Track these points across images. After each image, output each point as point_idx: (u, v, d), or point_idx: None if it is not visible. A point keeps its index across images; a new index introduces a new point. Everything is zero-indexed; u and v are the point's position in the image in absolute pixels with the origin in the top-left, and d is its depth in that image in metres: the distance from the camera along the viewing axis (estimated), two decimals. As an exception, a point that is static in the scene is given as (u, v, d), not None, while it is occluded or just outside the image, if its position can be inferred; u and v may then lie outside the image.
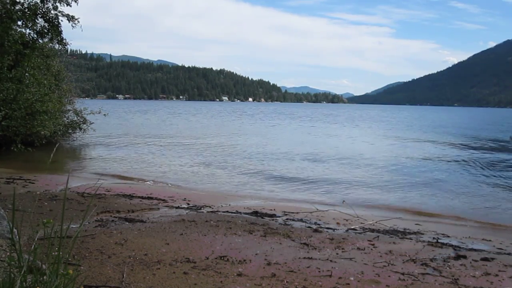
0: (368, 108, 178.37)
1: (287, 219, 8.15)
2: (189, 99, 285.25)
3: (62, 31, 12.53)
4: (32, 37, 12.62)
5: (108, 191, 10.15)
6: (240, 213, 8.42)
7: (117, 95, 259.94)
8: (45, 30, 12.30)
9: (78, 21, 12.43)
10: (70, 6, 12.45)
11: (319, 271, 4.95)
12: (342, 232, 7.23)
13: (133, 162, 17.27)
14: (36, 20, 12.10)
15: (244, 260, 5.20)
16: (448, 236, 7.45)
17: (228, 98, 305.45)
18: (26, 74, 13.78)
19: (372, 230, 7.48)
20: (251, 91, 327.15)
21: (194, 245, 5.79)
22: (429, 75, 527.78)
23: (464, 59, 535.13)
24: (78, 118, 21.82)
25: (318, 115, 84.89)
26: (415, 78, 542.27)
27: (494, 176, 16.10)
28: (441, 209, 10.58)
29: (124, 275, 4.39)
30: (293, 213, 8.78)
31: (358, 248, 6.13)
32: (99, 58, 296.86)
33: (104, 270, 4.54)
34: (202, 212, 8.34)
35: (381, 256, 5.79)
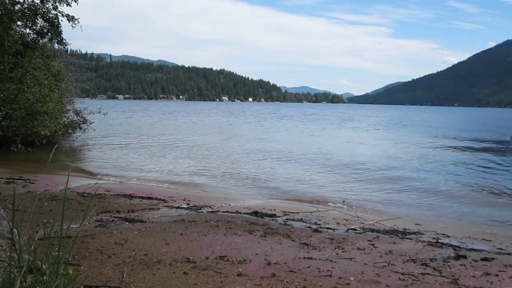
0: (359, 108, 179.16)
1: (287, 219, 8.15)
2: (189, 99, 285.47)
3: (62, 31, 12.52)
4: (32, 37, 12.62)
5: (108, 191, 10.15)
6: (240, 213, 8.42)
7: (117, 95, 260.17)
8: (45, 30, 12.29)
9: (78, 21, 12.42)
10: (70, 6, 12.44)
11: (319, 271, 4.95)
12: (342, 232, 7.23)
13: (133, 162, 17.28)
14: (36, 20, 12.09)
15: (244, 260, 5.20)
16: (448, 236, 7.45)
17: (228, 98, 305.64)
18: (27, 74, 13.78)
19: (372, 230, 7.48)
20: (251, 91, 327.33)
21: (194, 245, 5.79)
22: (429, 75, 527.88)
23: (464, 59, 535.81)
24: (78, 118, 21.84)
25: (300, 114, 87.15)
26: (415, 78, 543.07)
27: (494, 176, 16.11)
28: (441, 209, 10.58)
29: (124, 275, 4.39)
30: (293, 213, 8.78)
31: (358, 248, 6.12)
32: (99, 58, 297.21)
33: (104, 270, 4.54)
34: (202, 212, 8.34)
35: (381, 256, 5.79)
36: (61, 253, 2.64)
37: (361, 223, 8.13)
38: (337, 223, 8.12)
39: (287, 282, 4.54)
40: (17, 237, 3.02)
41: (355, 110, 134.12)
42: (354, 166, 17.48)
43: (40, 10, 12.01)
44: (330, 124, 54.04)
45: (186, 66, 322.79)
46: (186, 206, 8.92)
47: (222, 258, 5.23)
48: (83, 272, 4.34)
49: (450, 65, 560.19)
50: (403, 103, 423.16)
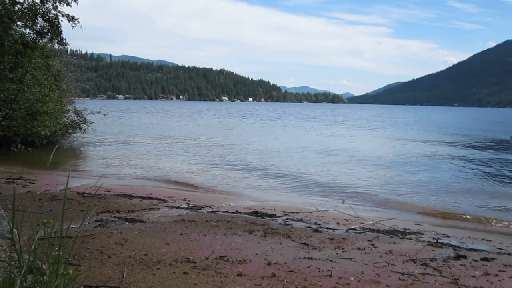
0: (349, 108, 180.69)
1: (287, 219, 8.15)
2: (189, 99, 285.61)
3: (62, 31, 12.54)
4: (32, 37, 12.63)
5: (108, 191, 10.14)
6: (240, 213, 8.42)
7: (117, 95, 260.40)
8: (45, 30, 12.31)
9: (78, 21, 12.44)
10: (70, 6, 12.47)
11: (319, 271, 4.95)
12: (342, 232, 7.23)
13: (133, 162, 17.28)
14: (36, 20, 12.10)
15: (244, 260, 5.20)
16: (448, 236, 7.45)
17: (228, 98, 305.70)
18: (27, 74, 13.79)
19: (372, 230, 7.48)
20: (251, 91, 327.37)
21: (194, 245, 5.79)
22: (429, 75, 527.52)
23: (464, 59, 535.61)
24: (78, 118, 21.85)
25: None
26: (415, 78, 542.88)
27: (494, 176, 16.11)
28: (440, 209, 10.57)
29: (124, 275, 4.39)
30: (293, 213, 8.78)
31: (358, 248, 6.12)
32: (99, 58, 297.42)
33: (104, 270, 4.54)
34: (202, 212, 8.34)
35: (381, 256, 5.79)
36: (61, 253, 2.64)
37: (361, 223, 8.13)
38: (337, 223, 8.12)
39: (287, 282, 4.54)
40: (17, 237, 3.02)
41: (350, 110, 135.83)
42: (356, 165, 17.50)
43: (40, 10, 12.03)
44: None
45: (186, 66, 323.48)
46: (186, 206, 8.91)
47: (222, 258, 5.22)
48: (83, 272, 4.34)
49: (450, 65, 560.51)
50: (403, 103, 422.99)
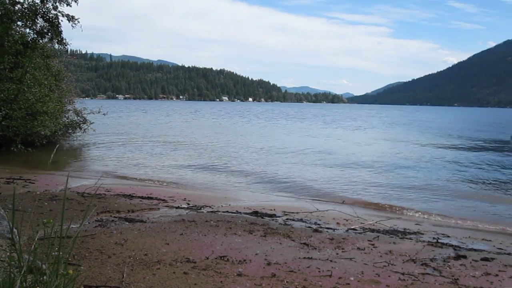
0: (348, 108, 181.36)
1: (287, 219, 8.15)
2: (189, 99, 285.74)
3: (62, 31, 12.55)
4: (32, 37, 12.63)
5: (108, 191, 10.14)
6: (240, 213, 8.41)
7: (117, 95, 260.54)
8: (45, 30, 12.31)
9: (78, 21, 12.45)
10: (70, 6, 12.48)
11: (319, 271, 4.95)
12: (342, 232, 7.23)
13: (133, 162, 17.28)
14: (36, 20, 12.11)
15: (244, 260, 5.20)
16: (448, 236, 7.45)
17: (228, 98, 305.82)
18: (27, 74, 13.78)
19: (372, 230, 7.48)
20: (251, 91, 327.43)
21: (194, 245, 5.79)
22: (429, 75, 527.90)
23: (463, 59, 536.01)
24: (78, 118, 21.86)
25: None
26: (415, 78, 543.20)
27: (494, 176, 16.11)
28: (441, 209, 10.58)
29: (124, 275, 4.39)
30: (293, 213, 8.78)
31: (358, 248, 6.12)
32: (99, 58, 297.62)
33: (104, 270, 4.54)
34: (202, 212, 8.34)
35: (381, 256, 5.79)
36: (61, 253, 2.64)
37: (361, 223, 8.13)
38: (337, 223, 8.12)
39: (287, 282, 4.54)
40: (17, 237, 3.02)
41: (338, 110, 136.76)
42: (355, 165, 17.49)
43: (40, 10, 12.03)
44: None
45: (186, 66, 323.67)
46: (186, 206, 8.91)
47: (222, 258, 5.22)
48: (83, 272, 4.34)
49: (450, 65, 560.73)
50: (403, 103, 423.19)
